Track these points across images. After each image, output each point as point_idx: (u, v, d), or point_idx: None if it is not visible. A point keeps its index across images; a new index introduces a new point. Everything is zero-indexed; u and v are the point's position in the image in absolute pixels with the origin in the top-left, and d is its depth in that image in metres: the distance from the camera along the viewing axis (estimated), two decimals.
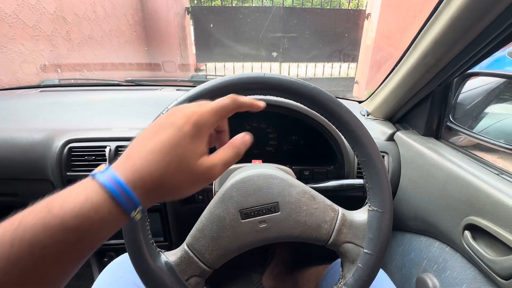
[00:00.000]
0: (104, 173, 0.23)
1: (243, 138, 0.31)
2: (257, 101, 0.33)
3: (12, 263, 0.19)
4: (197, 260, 0.39)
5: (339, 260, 0.65)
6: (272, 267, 1.10)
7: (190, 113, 0.26)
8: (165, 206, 0.80)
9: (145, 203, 0.24)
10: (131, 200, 0.23)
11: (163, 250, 0.40)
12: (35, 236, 0.20)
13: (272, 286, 1.06)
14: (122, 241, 0.90)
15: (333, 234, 0.40)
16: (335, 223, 0.41)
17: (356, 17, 3.66)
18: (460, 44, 0.49)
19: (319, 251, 1.14)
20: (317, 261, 0.84)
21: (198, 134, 0.26)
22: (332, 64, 3.85)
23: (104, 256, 0.88)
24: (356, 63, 3.88)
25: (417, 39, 0.59)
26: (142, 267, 0.37)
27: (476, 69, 0.59)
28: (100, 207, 0.22)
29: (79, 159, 0.72)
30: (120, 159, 0.25)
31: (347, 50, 3.80)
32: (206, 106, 0.28)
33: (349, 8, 3.88)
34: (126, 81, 1.11)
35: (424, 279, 0.65)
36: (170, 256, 0.39)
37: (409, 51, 0.63)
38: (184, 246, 0.39)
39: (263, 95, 0.40)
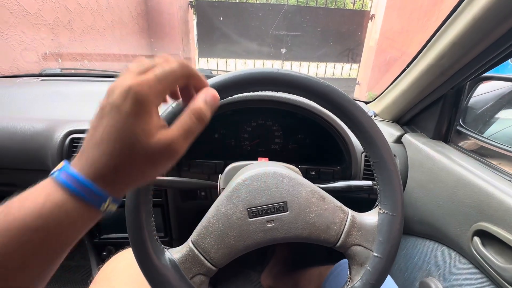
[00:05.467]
0: (61, 171, 0.22)
1: (206, 95, 0.26)
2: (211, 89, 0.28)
3: None
4: (202, 258, 0.38)
5: (342, 261, 0.65)
6: (271, 266, 1.10)
7: (127, 87, 0.22)
8: (166, 201, 0.79)
9: (113, 193, 0.23)
10: (95, 194, 0.22)
11: (167, 247, 0.39)
12: None
13: (271, 285, 1.05)
14: (121, 235, 0.89)
15: (342, 236, 0.40)
16: (345, 225, 0.40)
17: (360, 18, 3.65)
18: (479, 46, 0.48)
19: (320, 251, 1.14)
20: (318, 262, 0.83)
21: (142, 110, 0.22)
22: (335, 64, 3.84)
23: (103, 250, 0.87)
24: (358, 64, 3.87)
25: (432, 40, 0.58)
26: (146, 264, 0.36)
27: (490, 73, 0.58)
28: (63, 205, 0.21)
29: None
30: (77, 154, 0.23)
31: (350, 50, 3.78)
32: (147, 74, 0.23)
33: (354, 8, 3.86)
34: None
35: (428, 284, 0.64)
36: (174, 253, 0.38)
37: (422, 52, 0.62)
38: (189, 243, 0.38)
39: (275, 91, 0.39)
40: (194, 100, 0.26)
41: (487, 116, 0.69)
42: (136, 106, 0.22)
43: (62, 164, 0.23)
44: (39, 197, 0.21)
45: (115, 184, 0.23)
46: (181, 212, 0.83)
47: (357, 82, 3.90)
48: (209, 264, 0.38)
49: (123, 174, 0.23)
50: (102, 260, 0.86)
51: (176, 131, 0.24)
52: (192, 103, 0.26)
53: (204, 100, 0.26)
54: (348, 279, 0.41)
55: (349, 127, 0.40)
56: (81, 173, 0.22)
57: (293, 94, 0.39)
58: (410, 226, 0.75)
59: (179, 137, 0.24)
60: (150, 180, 0.26)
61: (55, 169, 0.23)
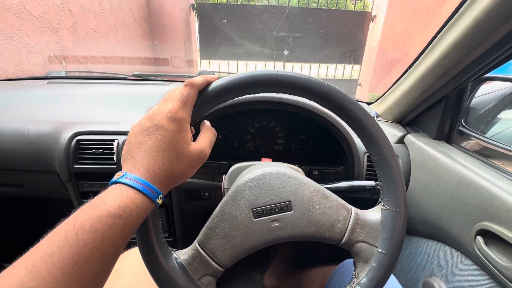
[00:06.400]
0: (124, 177, 0.29)
1: (207, 122, 0.40)
2: (208, 76, 0.38)
3: (81, 247, 0.24)
4: (209, 259, 0.38)
5: (346, 261, 0.65)
6: (274, 266, 1.10)
7: (167, 112, 0.32)
8: (171, 202, 0.80)
9: (163, 190, 0.32)
10: (154, 191, 0.30)
11: (174, 249, 0.39)
12: (92, 225, 0.26)
13: (274, 286, 1.05)
14: None
15: (346, 233, 0.40)
16: (348, 222, 0.40)
17: (361, 19, 3.65)
18: (482, 47, 0.48)
19: (323, 251, 1.14)
20: (321, 262, 0.84)
21: (181, 127, 0.32)
22: (336, 66, 3.84)
23: None
24: (360, 65, 3.87)
25: (434, 41, 0.58)
26: (155, 267, 0.36)
27: (492, 73, 0.58)
28: (135, 199, 0.29)
29: (87, 151, 0.71)
30: (126, 163, 0.31)
31: (351, 51, 3.79)
32: (176, 103, 0.33)
33: (355, 9, 3.87)
34: (134, 75, 1.10)
35: (431, 283, 0.65)
36: (181, 255, 0.38)
37: (424, 53, 0.63)
38: (195, 244, 0.39)
39: (276, 92, 0.39)
40: (204, 122, 0.40)
41: (490, 116, 0.70)
42: (178, 125, 0.32)
43: (122, 173, 0.30)
44: (115, 195, 0.28)
45: (166, 183, 0.32)
46: (185, 213, 0.84)
47: (358, 83, 3.90)
48: (216, 265, 0.38)
49: (172, 174, 0.32)
50: None
51: (204, 142, 0.36)
52: (204, 124, 0.39)
53: (207, 123, 0.40)
54: (354, 276, 0.41)
55: (350, 126, 0.40)
56: (142, 177, 0.30)
57: (294, 95, 0.39)
58: (413, 226, 0.75)
59: (206, 145, 0.36)
60: (188, 178, 0.35)
61: (116, 176, 0.30)
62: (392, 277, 0.56)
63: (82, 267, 0.24)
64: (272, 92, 0.39)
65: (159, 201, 0.31)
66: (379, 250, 0.39)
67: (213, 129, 0.39)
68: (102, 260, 0.26)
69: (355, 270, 0.42)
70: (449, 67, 0.56)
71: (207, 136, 0.37)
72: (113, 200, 0.27)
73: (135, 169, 0.30)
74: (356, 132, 0.40)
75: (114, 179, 0.30)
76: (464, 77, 0.57)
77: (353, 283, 0.41)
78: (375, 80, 3.62)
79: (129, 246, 0.58)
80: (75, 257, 0.24)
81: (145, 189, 0.29)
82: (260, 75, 0.37)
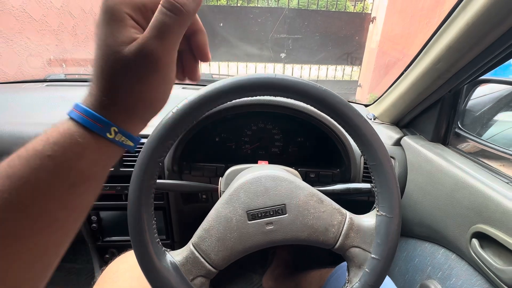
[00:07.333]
0: (73, 107, 0.23)
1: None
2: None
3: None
4: (202, 260, 0.38)
5: (343, 264, 0.65)
6: (272, 268, 1.10)
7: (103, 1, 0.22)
8: (168, 204, 0.80)
9: (118, 123, 0.23)
10: (96, 120, 0.22)
11: (168, 250, 0.40)
12: (13, 168, 0.19)
13: (272, 287, 1.05)
14: (123, 237, 0.90)
15: (340, 238, 0.40)
16: (343, 227, 0.40)
17: (361, 20, 3.66)
18: (474, 50, 0.48)
19: (321, 254, 1.14)
20: (319, 264, 0.84)
21: (112, 18, 0.21)
22: (336, 67, 3.85)
23: (105, 253, 0.88)
24: (359, 66, 3.87)
25: (429, 44, 0.58)
26: (148, 266, 0.37)
27: (487, 76, 0.59)
28: (67, 131, 0.21)
29: None
30: None
31: (351, 53, 3.79)
32: None
33: (355, 11, 3.87)
34: None
35: (428, 286, 0.65)
36: (175, 256, 0.39)
37: (419, 56, 0.63)
38: (189, 246, 0.39)
39: (274, 96, 0.40)
40: None
41: (485, 118, 0.70)
42: (106, 14, 0.21)
43: None
44: (49, 131, 0.22)
45: (115, 110, 0.23)
46: (182, 215, 0.84)
47: (358, 84, 3.91)
48: (209, 266, 0.38)
49: (115, 96, 0.23)
50: (105, 263, 0.87)
51: (147, 32, 0.22)
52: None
53: None
54: (347, 281, 0.42)
55: (346, 131, 0.40)
56: (83, 103, 0.23)
57: (291, 99, 0.40)
58: (410, 228, 0.75)
59: (151, 37, 0.22)
60: (151, 105, 0.25)
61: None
62: (389, 279, 0.56)
63: None
64: (270, 95, 0.39)
65: (120, 137, 0.23)
66: (372, 255, 0.40)
67: (174, 1, 0.22)
68: (22, 213, 0.20)
69: (348, 275, 0.42)
70: (443, 70, 0.56)
71: (154, 21, 0.22)
72: (44, 135, 0.21)
73: (85, 97, 0.23)
74: (352, 137, 0.40)
75: None
76: (458, 80, 0.57)
77: None
78: (375, 81, 3.63)
79: (125, 249, 0.59)
80: None
81: (82, 117, 0.22)
82: (258, 78, 0.38)
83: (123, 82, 0.22)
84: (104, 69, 0.22)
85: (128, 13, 0.22)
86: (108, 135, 0.23)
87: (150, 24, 0.22)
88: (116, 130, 0.23)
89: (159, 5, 0.22)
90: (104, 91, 0.22)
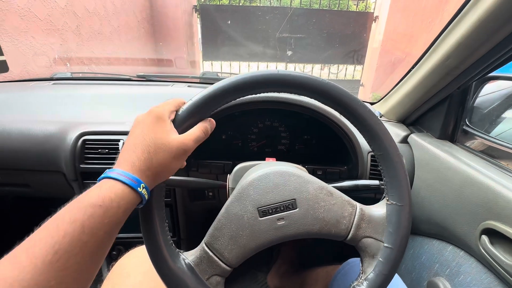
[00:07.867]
0: (107, 173, 0.32)
1: (210, 121, 0.40)
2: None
3: (61, 237, 0.26)
4: (216, 259, 0.38)
5: (350, 260, 0.65)
6: (277, 266, 1.10)
7: (150, 111, 0.36)
8: (175, 202, 0.80)
9: (146, 181, 0.33)
10: (134, 179, 0.31)
11: (181, 251, 0.40)
12: (72, 216, 0.27)
13: (277, 285, 1.05)
14: (130, 234, 0.90)
15: (352, 229, 0.40)
16: (354, 218, 0.40)
17: (364, 20, 3.65)
18: (485, 46, 0.48)
19: (326, 251, 1.14)
20: (325, 261, 0.84)
21: (159, 119, 0.34)
22: (338, 66, 3.85)
23: (112, 250, 0.88)
24: (362, 65, 3.87)
25: (437, 41, 0.58)
26: (164, 269, 0.37)
27: (496, 72, 0.58)
28: (113, 188, 0.30)
29: (93, 151, 0.72)
30: (117, 160, 0.34)
31: (354, 52, 3.79)
32: (162, 106, 0.37)
33: (357, 10, 3.87)
34: (138, 76, 1.11)
35: (436, 283, 0.64)
36: (189, 256, 0.39)
37: (428, 52, 0.63)
38: (202, 245, 0.39)
39: (277, 92, 0.40)
40: (204, 120, 0.39)
41: (494, 115, 0.70)
42: (155, 118, 0.34)
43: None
44: (96, 188, 0.30)
45: (147, 173, 0.33)
46: (189, 212, 0.84)
47: (361, 83, 3.90)
48: (223, 265, 0.38)
49: (152, 164, 0.33)
50: (112, 259, 0.88)
51: (190, 135, 0.36)
52: (201, 122, 0.38)
53: (210, 121, 0.39)
54: (361, 272, 0.42)
55: (352, 122, 0.40)
56: (122, 168, 0.32)
57: (295, 93, 0.40)
58: (417, 226, 0.75)
59: (190, 139, 0.36)
60: (170, 172, 0.36)
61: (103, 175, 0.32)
62: (396, 276, 0.56)
63: (63, 256, 0.25)
64: (274, 91, 0.39)
65: (143, 191, 0.32)
66: (385, 244, 0.40)
67: (207, 128, 0.38)
68: (83, 249, 0.27)
69: (362, 266, 0.42)
70: (452, 67, 0.56)
71: (194, 131, 0.37)
72: (93, 192, 0.29)
73: (117, 165, 0.33)
74: (358, 128, 0.40)
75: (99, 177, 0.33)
76: (467, 77, 0.57)
77: (360, 279, 0.41)
78: (378, 81, 3.62)
79: (135, 245, 0.59)
80: (56, 246, 0.25)
81: (123, 177, 0.31)
82: (261, 75, 0.38)
83: (161, 157, 0.34)
84: (149, 148, 0.33)
85: (168, 116, 0.36)
86: (138, 189, 0.32)
87: (191, 132, 0.37)
88: (144, 186, 0.32)
89: (199, 126, 0.38)
90: (143, 160, 0.33)
